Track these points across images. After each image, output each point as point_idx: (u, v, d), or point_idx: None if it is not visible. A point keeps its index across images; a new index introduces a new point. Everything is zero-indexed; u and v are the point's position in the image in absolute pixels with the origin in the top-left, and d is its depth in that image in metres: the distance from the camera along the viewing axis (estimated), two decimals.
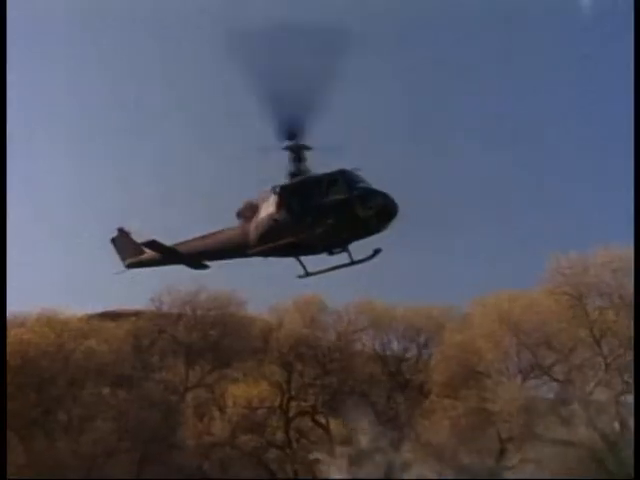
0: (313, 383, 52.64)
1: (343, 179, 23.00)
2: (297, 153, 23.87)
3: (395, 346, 53.98)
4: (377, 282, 55.30)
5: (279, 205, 23.79)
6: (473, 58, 79.91)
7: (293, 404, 52.68)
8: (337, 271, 24.68)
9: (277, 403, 52.31)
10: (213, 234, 26.69)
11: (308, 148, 23.91)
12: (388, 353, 54.30)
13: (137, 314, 58.50)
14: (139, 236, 28.95)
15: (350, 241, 23.67)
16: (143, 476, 51.89)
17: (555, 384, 50.46)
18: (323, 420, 52.09)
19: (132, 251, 29.42)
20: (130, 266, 29.81)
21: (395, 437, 49.84)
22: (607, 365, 48.04)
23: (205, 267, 28.54)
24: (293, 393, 52.69)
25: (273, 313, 55.46)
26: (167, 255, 27.75)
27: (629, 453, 47.38)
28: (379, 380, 53.01)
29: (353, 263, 24.15)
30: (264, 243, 23.96)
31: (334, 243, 23.70)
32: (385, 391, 52.28)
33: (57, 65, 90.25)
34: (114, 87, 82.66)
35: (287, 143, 23.67)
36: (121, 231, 30.23)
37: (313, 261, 24.76)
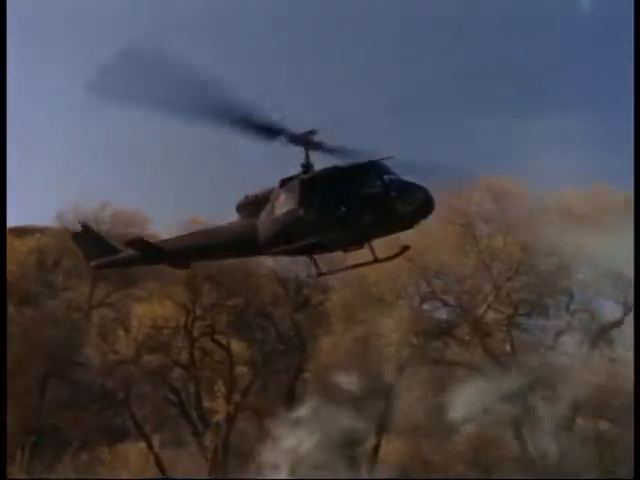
0: (217, 303, 53.29)
1: (374, 171, 20.90)
2: (307, 142, 21.69)
3: (296, 267, 54.78)
4: None
5: (301, 200, 21.25)
6: None
7: (198, 324, 53.28)
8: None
9: (182, 323, 52.79)
10: (207, 230, 24.57)
11: (313, 133, 21.50)
12: (291, 275, 55.19)
13: (42, 231, 57.95)
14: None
15: (375, 238, 21.86)
16: (47, 393, 52.71)
17: (449, 309, 52.72)
18: (224, 341, 53.02)
19: (100, 250, 26.22)
20: (100, 267, 27.18)
21: (295, 359, 51.82)
22: (497, 289, 50.38)
23: (187, 267, 26.71)
24: (198, 313, 53.22)
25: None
26: (151, 254, 24.65)
27: (517, 373, 50.60)
28: (282, 302, 54.04)
29: (377, 261, 22.51)
30: (285, 243, 21.61)
31: (357, 240, 21.77)
32: (287, 312, 53.45)
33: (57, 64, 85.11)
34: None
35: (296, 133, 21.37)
36: (85, 227, 27.22)
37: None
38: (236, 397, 51.21)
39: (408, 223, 21.21)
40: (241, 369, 52.33)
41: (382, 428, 49.47)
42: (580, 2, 70.50)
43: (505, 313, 50.98)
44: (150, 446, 51.61)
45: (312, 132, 21.37)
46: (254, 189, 23.35)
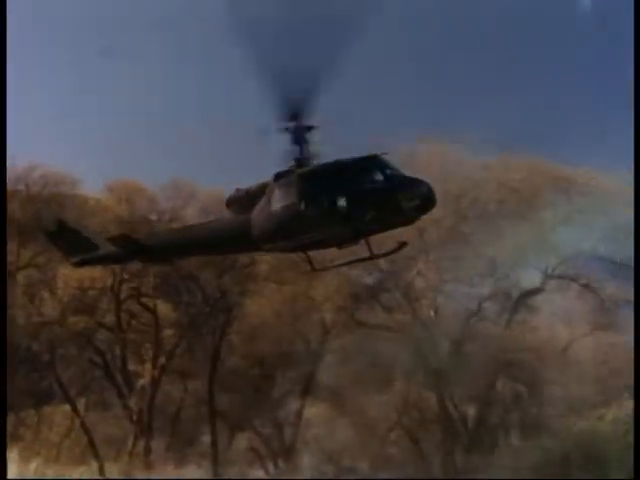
0: (144, 266, 52.62)
1: (376, 165, 20.24)
2: (300, 135, 20.85)
3: None
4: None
5: (301, 195, 20.26)
6: None
7: (124, 286, 52.72)
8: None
9: (109, 285, 52.16)
10: (196, 226, 23.88)
11: (312, 128, 20.75)
12: None
13: None
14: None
15: (374, 234, 20.90)
16: None
17: (379, 273, 53.12)
18: (151, 303, 52.63)
19: (80, 246, 24.82)
20: (80, 264, 25.68)
21: (221, 321, 51.84)
22: (427, 255, 50.90)
23: (171, 263, 26.25)
24: (125, 275, 52.52)
25: (106, 193, 55.12)
26: (135, 251, 23.64)
27: (441, 338, 51.52)
28: (209, 264, 53.65)
29: (373, 257, 21.60)
30: (283, 238, 20.74)
31: (357, 236, 20.80)
32: (214, 275, 53.22)
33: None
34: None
35: (288, 125, 20.53)
36: (62, 223, 25.58)
37: None
38: (161, 360, 51.21)
39: (410, 219, 20.50)
40: (167, 332, 52.18)
41: (307, 390, 50.10)
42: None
43: (432, 279, 51.58)
44: (75, 409, 51.41)
45: (311, 127, 20.79)
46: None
